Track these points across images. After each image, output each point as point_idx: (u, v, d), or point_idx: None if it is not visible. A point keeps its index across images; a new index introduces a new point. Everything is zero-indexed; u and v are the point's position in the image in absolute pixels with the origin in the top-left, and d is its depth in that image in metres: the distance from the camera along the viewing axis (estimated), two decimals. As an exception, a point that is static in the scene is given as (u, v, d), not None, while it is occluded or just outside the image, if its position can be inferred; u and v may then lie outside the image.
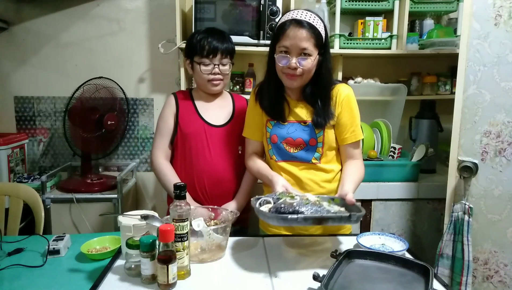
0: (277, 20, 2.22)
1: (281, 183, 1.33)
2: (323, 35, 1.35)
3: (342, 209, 1.19)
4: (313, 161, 1.45)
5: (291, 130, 1.44)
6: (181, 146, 1.69)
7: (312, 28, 1.31)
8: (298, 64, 1.32)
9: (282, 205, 1.10)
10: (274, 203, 1.16)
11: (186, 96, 1.74)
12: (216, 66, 1.62)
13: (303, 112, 1.44)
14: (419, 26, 2.53)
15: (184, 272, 1.08)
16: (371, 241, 1.29)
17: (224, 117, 1.71)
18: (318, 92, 1.41)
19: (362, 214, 1.12)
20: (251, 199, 1.23)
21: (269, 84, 1.45)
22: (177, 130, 1.69)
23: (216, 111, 1.72)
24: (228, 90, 2.01)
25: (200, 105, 1.71)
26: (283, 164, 1.47)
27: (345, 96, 1.42)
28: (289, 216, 1.05)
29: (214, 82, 1.65)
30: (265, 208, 1.14)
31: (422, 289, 0.99)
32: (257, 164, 1.52)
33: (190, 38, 1.69)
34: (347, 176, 1.39)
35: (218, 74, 1.64)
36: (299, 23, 1.30)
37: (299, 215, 1.06)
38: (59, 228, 2.20)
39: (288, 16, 1.34)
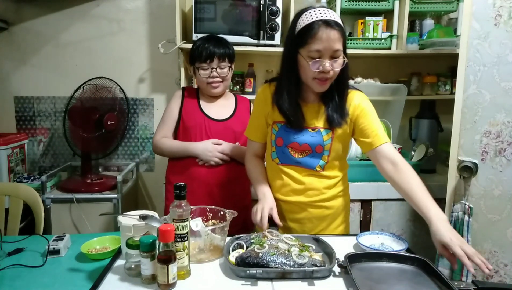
0: (277, 20, 2.22)
1: (268, 206, 1.34)
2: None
3: (317, 256, 1.15)
4: (317, 169, 1.41)
5: (298, 135, 1.39)
6: (182, 139, 1.77)
7: (340, 27, 1.24)
8: (331, 67, 1.26)
9: (248, 255, 1.11)
10: (247, 247, 1.18)
11: (193, 92, 1.84)
12: (214, 69, 1.71)
13: (312, 118, 1.39)
14: (419, 26, 2.53)
15: (184, 272, 1.08)
16: (370, 240, 1.29)
17: (225, 114, 1.79)
18: (337, 88, 1.36)
19: (327, 269, 1.08)
20: (228, 240, 1.23)
21: (289, 90, 1.36)
22: (180, 123, 1.78)
23: (218, 108, 1.80)
24: (230, 91, 2.08)
25: (204, 102, 1.81)
26: (285, 168, 1.44)
27: (359, 103, 1.38)
28: (250, 270, 1.06)
29: (213, 84, 1.73)
30: (233, 256, 1.15)
31: (431, 283, 1.05)
32: (256, 172, 1.49)
33: (192, 46, 1.79)
34: (422, 203, 1.21)
35: (217, 77, 1.72)
36: (328, 24, 1.22)
37: (258, 270, 1.06)
38: (59, 228, 2.20)
39: (309, 16, 1.25)
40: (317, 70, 1.26)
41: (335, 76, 1.31)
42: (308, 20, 1.25)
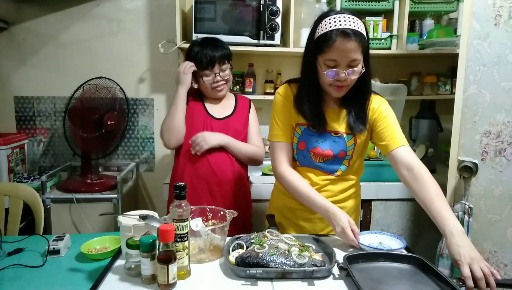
0: (277, 20, 2.23)
1: (345, 219, 1.25)
2: (366, 37, 1.26)
3: (317, 256, 1.14)
4: (338, 173, 1.41)
5: (321, 140, 1.38)
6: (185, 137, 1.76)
7: (359, 36, 1.21)
8: (347, 76, 1.25)
9: (248, 255, 1.10)
10: (247, 247, 1.18)
11: (196, 92, 1.85)
12: (217, 74, 1.72)
13: (336, 122, 1.38)
14: (419, 26, 2.53)
15: (184, 272, 1.08)
16: (369, 240, 1.29)
17: (226, 113, 1.81)
18: (359, 93, 1.35)
19: (326, 269, 1.08)
20: (228, 240, 1.22)
21: (309, 93, 1.36)
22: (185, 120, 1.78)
23: (220, 108, 1.81)
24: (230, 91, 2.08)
25: (207, 101, 1.82)
26: (304, 170, 1.43)
27: (378, 106, 1.38)
28: (250, 270, 1.06)
29: (218, 88, 1.75)
30: (233, 256, 1.14)
31: (429, 281, 1.06)
32: (305, 185, 1.37)
33: (188, 51, 1.79)
34: (439, 214, 1.17)
35: (221, 80, 1.73)
36: (346, 34, 1.19)
37: (258, 270, 1.06)
38: (59, 228, 2.20)
39: (328, 24, 1.22)
40: (332, 78, 1.25)
41: (353, 83, 1.30)
42: (326, 28, 1.22)
